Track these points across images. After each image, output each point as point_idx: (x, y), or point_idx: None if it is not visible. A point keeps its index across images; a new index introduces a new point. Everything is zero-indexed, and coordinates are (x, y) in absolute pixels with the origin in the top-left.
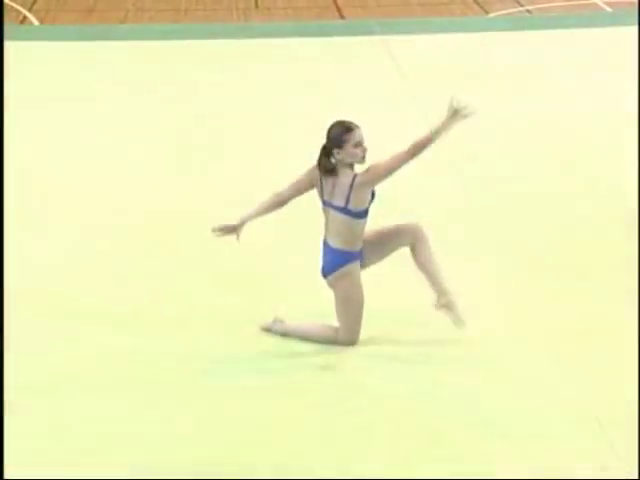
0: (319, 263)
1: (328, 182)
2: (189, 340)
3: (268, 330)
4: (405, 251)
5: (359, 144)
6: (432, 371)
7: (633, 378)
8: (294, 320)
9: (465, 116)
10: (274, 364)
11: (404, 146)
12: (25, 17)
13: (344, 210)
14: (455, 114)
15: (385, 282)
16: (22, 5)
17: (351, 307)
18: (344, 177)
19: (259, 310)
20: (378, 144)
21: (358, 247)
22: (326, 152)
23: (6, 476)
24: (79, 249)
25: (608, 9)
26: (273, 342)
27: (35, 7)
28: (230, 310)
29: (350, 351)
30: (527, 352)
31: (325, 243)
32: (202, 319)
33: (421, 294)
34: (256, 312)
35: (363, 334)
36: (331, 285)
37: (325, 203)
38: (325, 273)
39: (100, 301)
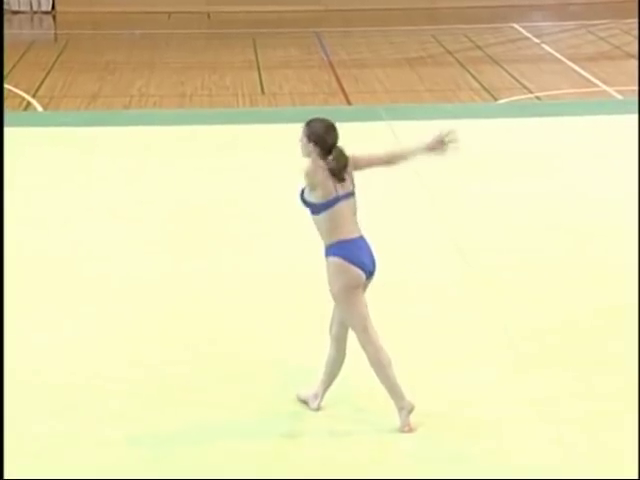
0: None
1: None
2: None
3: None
4: None
5: None
6: None
7: None
8: None
9: (445, 149)
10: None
11: (415, 231)
12: (29, 103)
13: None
14: (438, 144)
15: None
16: (26, 91)
17: None
18: None
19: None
20: (387, 225)
21: None
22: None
23: (6, 476)
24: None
25: (619, 97)
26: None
27: (39, 93)
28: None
29: None
30: None
31: (363, 238)
32: None
33: None
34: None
35: None
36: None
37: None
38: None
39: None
